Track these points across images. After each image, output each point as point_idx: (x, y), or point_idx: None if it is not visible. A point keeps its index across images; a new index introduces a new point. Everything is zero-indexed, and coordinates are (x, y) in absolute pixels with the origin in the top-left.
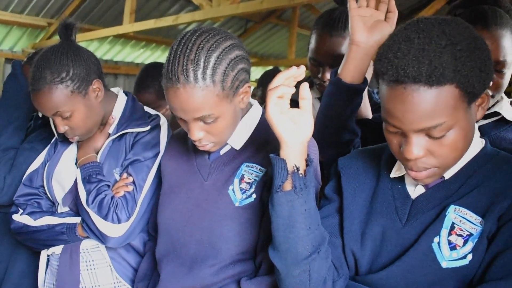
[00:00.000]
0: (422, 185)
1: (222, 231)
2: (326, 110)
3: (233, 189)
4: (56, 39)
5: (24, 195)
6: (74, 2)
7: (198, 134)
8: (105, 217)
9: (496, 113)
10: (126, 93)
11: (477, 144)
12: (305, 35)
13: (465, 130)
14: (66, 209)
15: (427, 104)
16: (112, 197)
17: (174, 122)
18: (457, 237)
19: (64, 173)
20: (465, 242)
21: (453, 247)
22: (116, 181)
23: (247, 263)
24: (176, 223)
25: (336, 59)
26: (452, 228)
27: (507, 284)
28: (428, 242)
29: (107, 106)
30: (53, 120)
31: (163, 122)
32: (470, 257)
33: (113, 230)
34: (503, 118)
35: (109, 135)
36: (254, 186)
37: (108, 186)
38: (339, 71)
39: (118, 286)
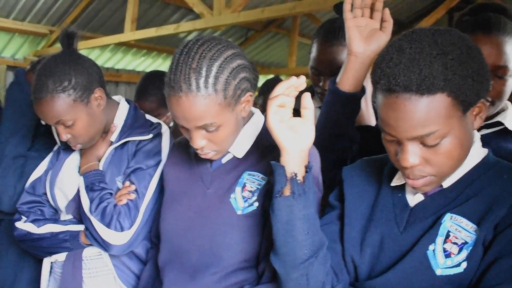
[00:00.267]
0: (421, 194)
1: (224, 239)
2: (325, 117)
3: (235, 197)
4: (57, 46)
5: (27, 203)
6: (76, 10)
7: (200, 142)
8: (108, 225)
9: (499, 123)
10: (128, 101)
11: (479, 153)
12: (305, 44)
13: (460, 138)
14: (69, 216)
15: (419, 112)
16: (115, 205)
17: (175, 130)
18: (452, 245)
19: (66, 181)
20: (460, 250)
21: (447, 255)
22: (118, 189)
23: (249, 271)
24: (178, 231)
25: (337, 68)
26: (447, 236)
27: None
28: (424, 250)
29: (109, 114)
30: (55, 128)
31: (165, 130)
32: (464, 265)
33: (116, 238)
34: (506, 129)
35: (111, 143)
36: (256, 194)
37: (111, 194)
38: (337, 80)
39: None
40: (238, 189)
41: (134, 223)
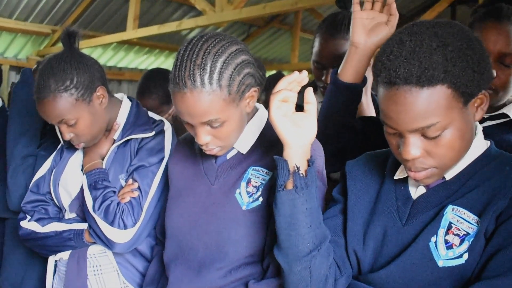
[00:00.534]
0: (424, 186)
1: (230, 234)
2: (326, 106)
3: (240, 193)
4: (60, 46)
5: (31, 202)
6: (78, 9)
7: (205, 138)
8: (111, 223)
9: (504, 115)
10: (130, 98)
11: (481, 145)
12: (308, 39)
13: (461, 130)
14: (73, 215)
15: (420, 104)
16: (118, 203)
17: (177, 127)
18: (454, 236)
19: (70, 179)
20: (462, 242)
21: (449, 246)
22: (121, 187)
23: (254, 266)
24: (183, 227)
25: (339, 62)
26: (449, 227)
27: (504, 282)
28: (426, 241)
29: (112, 112)
30: (58, 127)
31: (168, 127)
32: (466, 256)
33: (119, 235)
34: (511, 121)
35: (114, 141)
36: (260, 189)
37: (114, 192)
38: (339, 71)
39: None
40: (243, 184)
41: (137, 221)
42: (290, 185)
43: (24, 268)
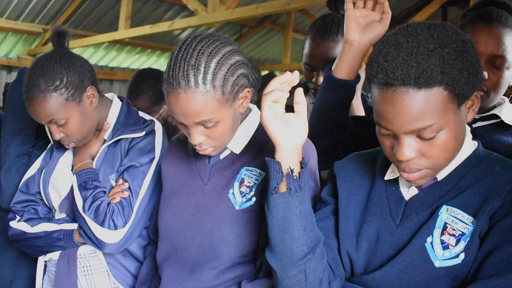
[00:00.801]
0: (415, 187)
1: (223, 234)
2: (319, 102)
3: (233, 193)
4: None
5: (21, 202)
6: (70, 8)
7: (198, 138)
8: (101, 224)
9: (494, 116)
10: (120, 98)
11: (469, 146)
12: (300, 40)
13: (455, 131)
14: (63, 215)
15: (417, 106)
16: (108, 203)
17: (167, 128)
18: (450, 236)
19: (60, 179)
20: (458, 242)
21: (445, 247)
22: (112, 187)
23: (247, 266)
24: (177, 227)
25: (329, 63)
26: (444, 228)
27: (499, 282)
28: (421, 242)
29: (102, 112)
30: (48, 127)
31: (158, 127)
32: (462, 256)
33: (109, 236)
34: (501, 122)
35: (105, 141)
36: (254, 189)
37: (104, 192)
38: (333, 68)
39: None
40: (236, 184)
41: (127, 221)
42: (283, 188)
43: (14, 268)
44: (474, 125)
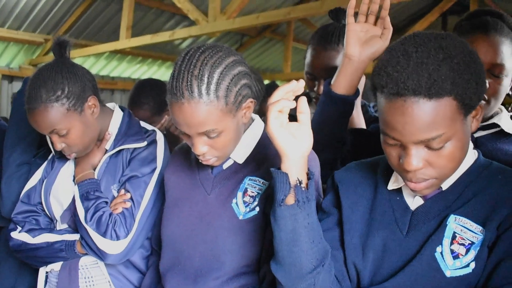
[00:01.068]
0: (420, 196)
1: (226, 244)
2: (318, 117)
3: (236, 203)
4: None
5: (22, 212)
6: (71, 18)
7: (202, 148)
8: (103, 234)
9: (495, 125)
10: (122, 108)
11: (471, 155)
12: (300, 49)
13: (462, 141)
14: (65, 226)
15: (427, 116)
16: (110, 214)
17: (168, 138)
18: (459, 246)
19: (61, 190)
20: (467, 251)
21: (455, 256)
22: (114, 197)
23: (251, 276)
24: (180, 237)
25: (330, 73)
26: (453, 237)
27: None
28: (431, 252)
29: (103, 122)
30: (49, 138)
31: (160, 137)
32: (473, 265)
33: (112, 247)
34: (502, 130)
35: (106, 151)
36: (257, 199)
37: (106, 202)
38: (332, 82)
39: None
40: (239, 194)
41: (130, 232)
42: (291, 199)
43: (15, 278)
44: (475, 135)
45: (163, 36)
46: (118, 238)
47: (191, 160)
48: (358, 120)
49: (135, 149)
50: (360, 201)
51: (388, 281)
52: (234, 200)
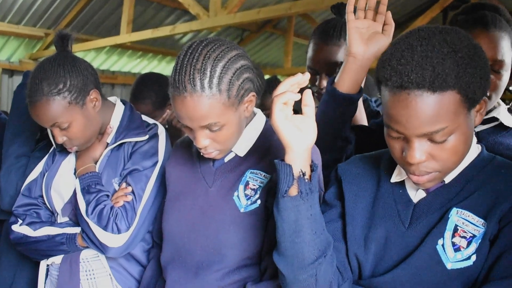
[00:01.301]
0: (423, 189)
1: (228, 237)
2: (322, 116)
3: (238, 196)
4: (53, 49)
5: (23, 205)
6: (71, 13)
7: (204, 141)
8: (104, 228)
9: (494, 119)
10: (123, 102)
11: (474, 149)
12: (301, 44)
13: (465, 134)
14: (66, 219)
15: (430, 109)
16: (112, 207)
17: (170, 132)
18: (461, 238)
19: (62, 183)
20: (469, 244)
21: (457, 249)
22: (115, 191)
23: (252, 268)
24: (181, 230)
25: (332, 67)
26: (455, 230)
27: (510, 284)
28: (433, 244)
29: (105, 115)
30: (51, 131)
31: (161, 131)
32: (474, 258)
33: (113, 240)
34: (501, 124)
35: (107, 144)
36: (258, 192)
37: (108, 196)
38: (335, 80)
39: None
40: (241, 187)
41: (131, 225)
42: (294, 191)
43: (14, 271)
44: (476, 129)
45: (163, 31)
46: (119, 231)
47: (193, 154)
48: (360, 116)
49: (136, 142)
50: (363, 193)
51: (390, 273)
52: (235, 193)
